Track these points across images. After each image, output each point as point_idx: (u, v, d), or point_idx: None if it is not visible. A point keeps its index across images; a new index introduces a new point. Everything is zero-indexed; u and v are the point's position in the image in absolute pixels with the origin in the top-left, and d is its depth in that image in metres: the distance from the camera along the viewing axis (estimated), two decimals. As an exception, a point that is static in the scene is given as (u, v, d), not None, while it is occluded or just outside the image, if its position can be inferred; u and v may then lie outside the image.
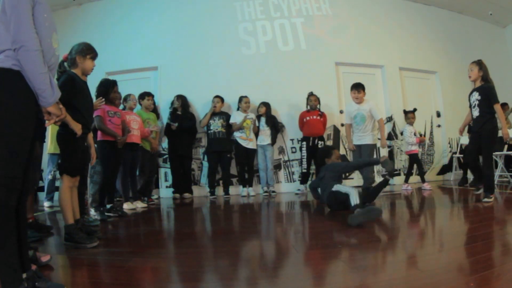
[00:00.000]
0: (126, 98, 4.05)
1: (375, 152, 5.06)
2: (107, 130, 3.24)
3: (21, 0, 1.14)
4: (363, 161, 3.55)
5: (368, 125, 4.27)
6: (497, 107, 3.24)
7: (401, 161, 5.88)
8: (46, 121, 1.34)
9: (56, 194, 4.49)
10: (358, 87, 4.25)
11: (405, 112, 5.25)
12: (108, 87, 3.30)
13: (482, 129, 3.33)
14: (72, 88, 2.18)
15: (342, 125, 5.70)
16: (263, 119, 5.12)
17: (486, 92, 3.29)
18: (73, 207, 2.22)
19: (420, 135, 5.39)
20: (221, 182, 5.14)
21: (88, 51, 2.32)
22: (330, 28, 5.89)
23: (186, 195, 5.05)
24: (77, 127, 2.08)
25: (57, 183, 4.51)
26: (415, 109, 5.20)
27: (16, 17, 1.13)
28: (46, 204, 4.38)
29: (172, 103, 5.07)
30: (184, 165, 5.05)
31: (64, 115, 1.34)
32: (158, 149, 4.70)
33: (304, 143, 5.01)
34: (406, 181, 5.07)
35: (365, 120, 4.25)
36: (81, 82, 2.31)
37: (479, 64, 3.39)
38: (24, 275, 1.18)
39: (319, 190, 3.50)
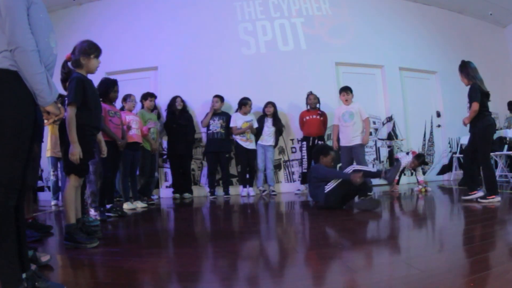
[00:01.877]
0: (125, 99, 4.05)
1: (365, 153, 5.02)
2: (108, 131, 3.23)
3: (15, 1, 1.14)
4: (343, 175, 3.39)
5: (357, 122, 4.45)
6: (473, 105, 3.21)
7: (401, 161, 5.88)
8: (45, 120, 1.34)
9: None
10: (347, 89, 4.56)
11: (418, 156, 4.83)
12: (108, 86, 3.30)
13: (474, 128, 3.33)
14: (84, 91, 2.19)
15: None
16: (269, 120, 5.10)
17: (469, 93, 3.31)
18: (76, 207, 2.22)
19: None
20: (221, 182, 5.14)
21: (91, 50, 2.26)
22: (330, 28, 5.89)
23: (186, 195, 5.04)
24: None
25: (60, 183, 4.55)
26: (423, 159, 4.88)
27: (11, 18, 1.13)
28: (53, 202, 4.46)
29: (173, 104, 5.03)
30: (183, 165, 5.04)
31: (62, 114, 1.34)
32: (158, 150, 4.70)
33: (304, 143, 5.01)
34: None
35: (353, 117, 4.45)
36: (89, 81, 2.31)
37: (460, 67, 3.42)
38: (24, 275, 1.18)
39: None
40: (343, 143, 4.50)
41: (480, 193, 3.27)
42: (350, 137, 4.42)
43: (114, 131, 3.30)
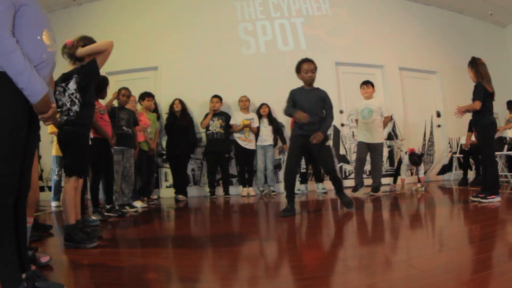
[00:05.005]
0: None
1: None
2: (100, 130, 3.17)
3: None
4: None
5: (376, 119, 4.35)
6: (475, 103, 3.17)
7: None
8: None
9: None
10: (367, 83, 4.52)
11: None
12: (102, 84, 3.22)
13: (476, 127, 3.33)
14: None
15: (342, 125, 5.70)
16: (265, 120, 5.12)
17: (473, 91, 3.27)
18: (76, 208, 2.23)
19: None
20: (221, 182, 5.14)
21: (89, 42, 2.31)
22: (330, 28, 5.89)
23: (180, 197, 4.81)
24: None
25: (62, 183, 4.51)
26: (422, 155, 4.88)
27: None
28: (54, 204, 4.40)
29: (172, 106, 4.99)
30: (180, 165, 4.93)
31: (49, 115, 1.29)
32: (157, 150, 4.68)
33: (302, 144, 5.04)
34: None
35: (373, 114, 4.36)
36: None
37: (470, 63, 3.38)
38: (24, 275, 1.18)
39: None
40: (361, 138, 4.44)
41: (498, 198, 3.13)
42: (369, 135, 4.35)
43: (106, 129, 3.23)
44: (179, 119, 4.91)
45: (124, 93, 3.77)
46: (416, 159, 4.49)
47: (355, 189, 4.45)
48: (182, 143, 4.89)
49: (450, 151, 6.21)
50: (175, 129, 4.87)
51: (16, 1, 1.19)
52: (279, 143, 5.40)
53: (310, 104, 3.17)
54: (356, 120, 4.62)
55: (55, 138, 4.37)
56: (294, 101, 3.24)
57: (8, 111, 1.17)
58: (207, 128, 5.00)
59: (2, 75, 1.16)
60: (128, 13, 5.77)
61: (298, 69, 3.33)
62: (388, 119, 4.50)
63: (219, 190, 5.13)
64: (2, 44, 1.14)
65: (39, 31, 1.27)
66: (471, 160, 5.38)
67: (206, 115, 5.04)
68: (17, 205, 1.21)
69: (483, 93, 3.17)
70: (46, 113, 1.28)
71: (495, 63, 6.56)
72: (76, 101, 2.18)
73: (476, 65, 3.31)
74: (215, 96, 5.05)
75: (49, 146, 4.59)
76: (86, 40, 2.30)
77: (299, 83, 5.70)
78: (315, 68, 3.29)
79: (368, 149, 4.43)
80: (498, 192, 3.16)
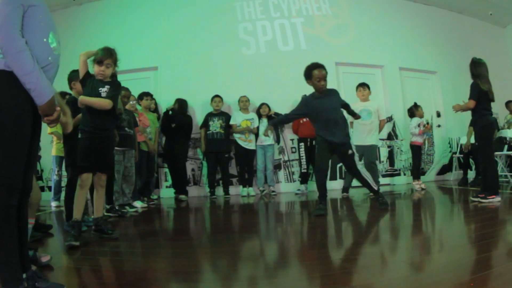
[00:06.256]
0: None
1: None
2: None
3: (4, 4, 1.15)
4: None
5: (374, 121, 4.32)
6: (468, 102, 3.19)
7: (401, 161, 5.88)
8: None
9: (63, 195, 4.49)
10: (364, 85, 4.51)
11: (415, 106, 5.04)
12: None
13: (474, 127, 3.33)
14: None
15: (342, 125, 5.69)
16: (264, 120, 5.11)
17: (470, 89, 3.27)
18: (97, 205, 2.37)
19: (427, 122, 5.11)
20: (221, 182, 5.14)
21: (95, 55, 2.29)
22: (330, 28, 5.89)
23: (182, 197, 4.81)
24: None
25: (63, 183, 4.51)
26: (415, 103, 5.05)
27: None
28: (54, 204, 4.39)
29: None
30: (177, 165, 4.91)
31: (54, 117, 1.30)
32: (157, 151, 4.67)
33: (302, 144, 5.04)
34: (418, 177, 4.99)
35: (371, 115, 4.32)
36: (95, 81, 2.31)
37: (470, 65, 3.37)
38: (24, 275, 1.19)
39: None
40: (357, 142, 4.23)
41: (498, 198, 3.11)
42: (365, 136, 4.27)
43: None
44: (176, 119, 4.90)
45: (124, 94, 3.72)
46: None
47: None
48: (179, 143, 4.87)
49: (450, 151, 6.21)
50: (173, 129, 4.86)
51: (25, 2, 1.19)
52: (280, 143, 5.39)
53: (328, 111, 3.07)
54: (351, 122, 4.51)
55: (55, 138, 4.37)
56: (308, 110, 3.16)
57: (14, 111, 1.17)
58: (207, 128, 5.00)
59: (9, 75, 1.16)
60: (128, 13, 5.77)
61: (309, 76, 3.13)
62: (384, 122, 4.49)
63: (219, 190, 5.13)
64: (12, 44, 1.14)
65: (46, 33, 1.27)
66: (471, 160, 5.38)
67: (207, 115, 5.05)
68: (19, 205, 1.21)
69: (477, 93, 3.17)
70: (51, 116, 1.28)
71: (495, 63, 6.54)
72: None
73: (472, 65, 3.33)
74: (217, 96, 5.05)
75: (49, 146, 4.59)
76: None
77: (299, 83, 5.65)
78: (327, 73, 3.12)
79: (362, 151, 4.39)
80: (498, 192, 3.16)
